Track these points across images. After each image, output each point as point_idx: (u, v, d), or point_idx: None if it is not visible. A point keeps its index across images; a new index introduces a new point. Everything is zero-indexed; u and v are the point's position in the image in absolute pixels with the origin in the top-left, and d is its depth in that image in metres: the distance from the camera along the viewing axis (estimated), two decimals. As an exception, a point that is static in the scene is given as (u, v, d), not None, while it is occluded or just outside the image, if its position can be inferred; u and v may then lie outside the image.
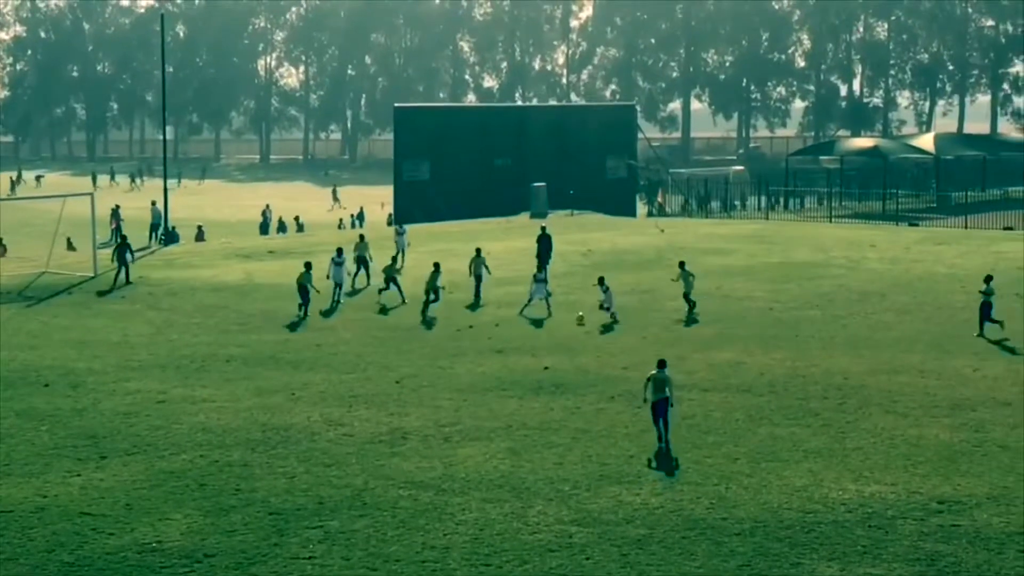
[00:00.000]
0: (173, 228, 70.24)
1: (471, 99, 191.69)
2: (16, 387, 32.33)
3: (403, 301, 43.94)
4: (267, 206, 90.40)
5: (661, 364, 27.31)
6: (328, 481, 24.40)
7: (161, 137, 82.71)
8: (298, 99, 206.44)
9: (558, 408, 29.79)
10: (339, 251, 46.66)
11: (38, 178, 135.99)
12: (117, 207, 77.68)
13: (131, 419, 29.12)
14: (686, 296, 42.28)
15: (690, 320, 41.04)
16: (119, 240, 50.73)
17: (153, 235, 70.59)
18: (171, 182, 68.97)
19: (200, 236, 73.90)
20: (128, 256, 49.52)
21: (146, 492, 23.76)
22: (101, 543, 21.13)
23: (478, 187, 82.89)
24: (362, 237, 50.96)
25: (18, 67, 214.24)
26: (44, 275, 51.66)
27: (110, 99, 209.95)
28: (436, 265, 43.72)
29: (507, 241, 59.09)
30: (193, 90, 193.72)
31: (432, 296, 43.00)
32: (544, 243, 49.80)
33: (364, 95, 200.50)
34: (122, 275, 48.85)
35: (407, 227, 57.33)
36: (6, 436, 27.65)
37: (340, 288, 45.03)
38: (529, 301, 42.61)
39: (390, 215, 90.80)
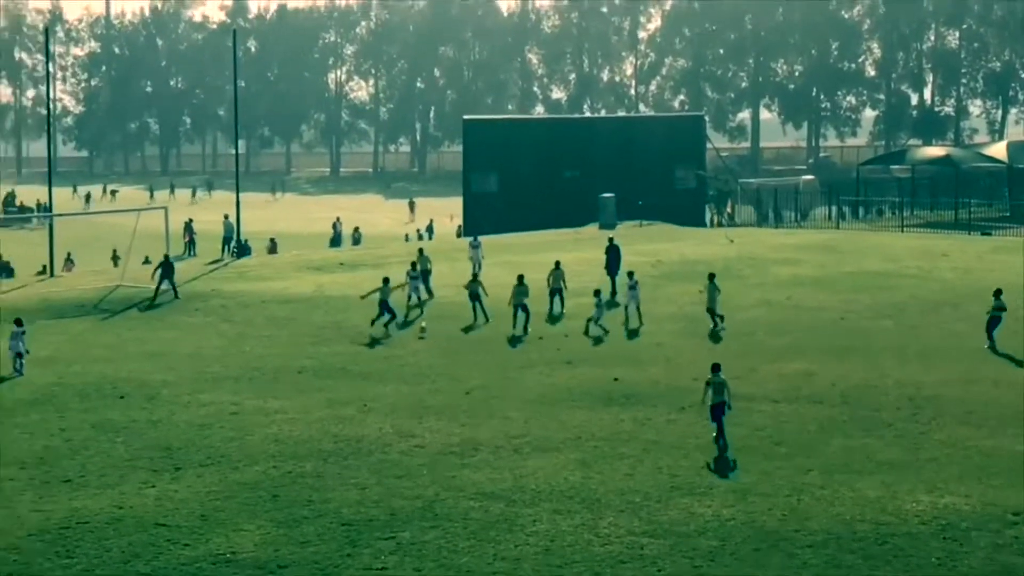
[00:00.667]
0: (245, 241, 70.76)
1: (539, 111, 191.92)
2: (92, 399, 32.70)
3: (486, 320, 43.40)
4: (337, 219, 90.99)
5: (716, 368, 27.75)
6: (399, 492, 24.50)
7: (233, 151, 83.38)
8: (368, 112, 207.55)
9: (628, 419, 29.76)
10: (413, 265, 47.07)
11: (112, 192, 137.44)
12: (190, 221, 78.41)
13: (205, 431, 29.38)
14: (709, 311, 41.69)
15: (715, 336, 40.42)
16: (164, 258, 50.57)
17: (226, 248, 71.15)
18: (235, 195, 69.51)
19: (272, 249, 74.40)
20: (171, 273, 49.42)
21: (220, 503, 23.96)
22: (176, 554, 21.34)
23: (546, 198, 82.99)
24: (421, 251, 51.06)
25: (93, 83, 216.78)
26: (119, 288, 52.19)
27: (183, 114, 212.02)
28: (520, 278, 43.19)
29: (575, 252, 59.03)
30: (265, 104, 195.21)
31: (521, 311, 42.12)
32: (612, 254, 49.74)
33: (433, 108, 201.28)
34: (166, 287, 48.97)
35: (482, 240, 56.88)
36: (82, 448, 27.97)
37: (417, 298, 45.53)
38: (625, 308, 42.59)
39: (459, 227, 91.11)
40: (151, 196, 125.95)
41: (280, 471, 26.03)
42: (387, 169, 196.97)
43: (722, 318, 41.55)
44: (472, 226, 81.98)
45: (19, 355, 36.29)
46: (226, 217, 72.47)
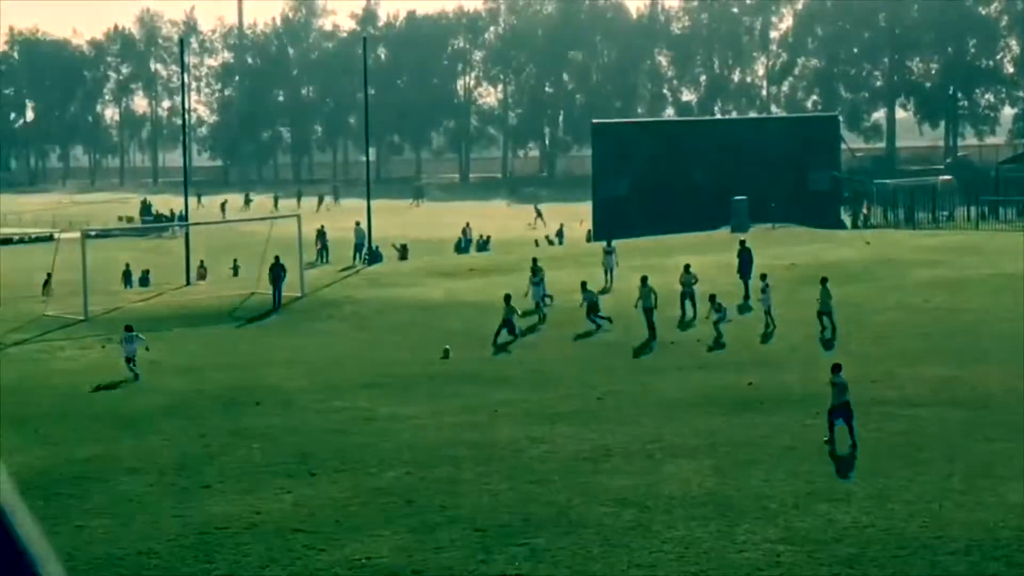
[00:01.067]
0: (377, 248, 71.32)
1: (669, 113, 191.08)
2: (229, 406, 33.10)
3: (600, 325, 43.16)
4: (467, 224, 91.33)
5: (836, 368, 27.90)
6: (533, 498, 24.43)
7: (364, 158, 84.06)
8: (497, 118, 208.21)
9: (763, 424, 29.41)
10: (534, 270, 47.06)
11: (247, 200, 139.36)
12: (323, 228, 79.20)
13: (340, 436, 29.58)
14: (819, 314, 40.95)
15: (829, 342, 39.67)
16: (274, 262, 50.91)
17: (357, 255, 71.78)
18: (357, 201, 70.03)
19: (403, 255, 74.89)
20: (282, 279, 49.76)
21: (355, 509, 24.08)
22: (313, 559, 21.47)
23: (677, 202, 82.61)
24: (535, 260, 50.97)
25: (226, 93, 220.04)
26: (253, 295, 52.88)
27: (314, 122, 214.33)
28: (643, 279, 43.02)
29: (707, 256, 58.67)
30: (394, 111, 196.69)
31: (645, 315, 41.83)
32: (744, 257, 49.31)
33: (562, 112, 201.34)
34: (277, 298, 49.27)
35: (616, 245, 56.19)
36: (220, 454, 28.31)
37: (542, 306, 45.29)
38: (767, 312, 42.13)
39: (588, 232, 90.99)
40: (275, 205, 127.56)
41: (414, 477, 26.11)
42: (516, 174, 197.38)
43: (832, 323, 40.76)
44: (602, 230, 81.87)
45: (130, 359, 37.08)
46: (357, 224, 73.11)
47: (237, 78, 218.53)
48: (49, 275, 57.12)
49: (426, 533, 22.59)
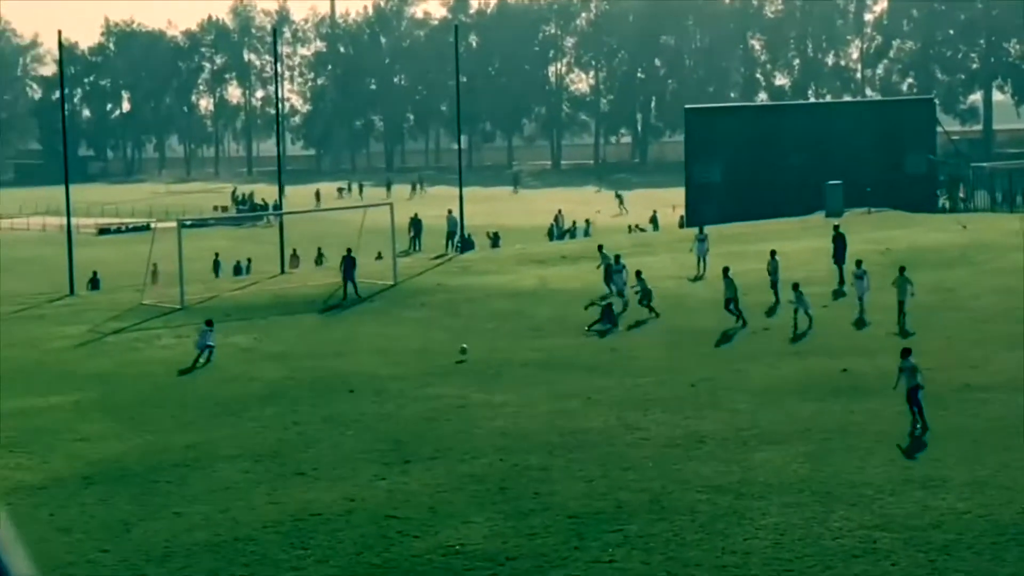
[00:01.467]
0: (469, 235, 71.51)
1: (762, 98, 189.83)
2: (323, 393, 33.36)
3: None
4: (559, 212, 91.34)
5: (905, 353, 28.28)
6: (626, 485, 24.42)
7: (456, 146, 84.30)
8: (588, 104, 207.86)
9: (858, 411, 29.17)
10: (617, 258, 46.87)
11: (340, 190, 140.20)
12: (416, 216, 79.50)
13: (433, 424, 29.72)
14: (902, 304, 40.20)
15: (904, 330, 39.00)
16: (346, 253, 51.05)
17: (449, 243, 72.01)
18: (449, 189, 70.24)
19: (495, 243, 75.02)
20: (353, 271, 49.90)
21: (449, 495, 24.19)
22: (407, 545, 21.60)
23: (771, 187, 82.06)
24: (601, 248, 50.73)
25: (319, 82, 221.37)
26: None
27: (406, 110, 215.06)
28: (724, 270, 42.71)
29: (801, 241, 58.23)
30: (486, 99, 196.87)
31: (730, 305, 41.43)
32: (839, 242, 48.85)
33: (654, 98, 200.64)
34: (350, 289, 49.38)
35: (708, 231, 55.61)
36: (314, 441, 28.55)
37: (623, 296, 44.98)
38: (860, 299, 41.56)
39: (681, 218, 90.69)
40: (360, 193, 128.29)
41: (507, 464, 26.18)
42: (608, 160, 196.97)
43: (903, 312, 40.05)
44: (695, 216, 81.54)
45: (207, 347, 38.02)
46: (449, 212, 73.33)
47: (329, 67, 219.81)
48: (155, 265, 57.97)
49: (519, 519, 22.65)
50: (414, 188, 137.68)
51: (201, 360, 37.71)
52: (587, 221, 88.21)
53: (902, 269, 41.47)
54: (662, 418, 29.26)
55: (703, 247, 52.56)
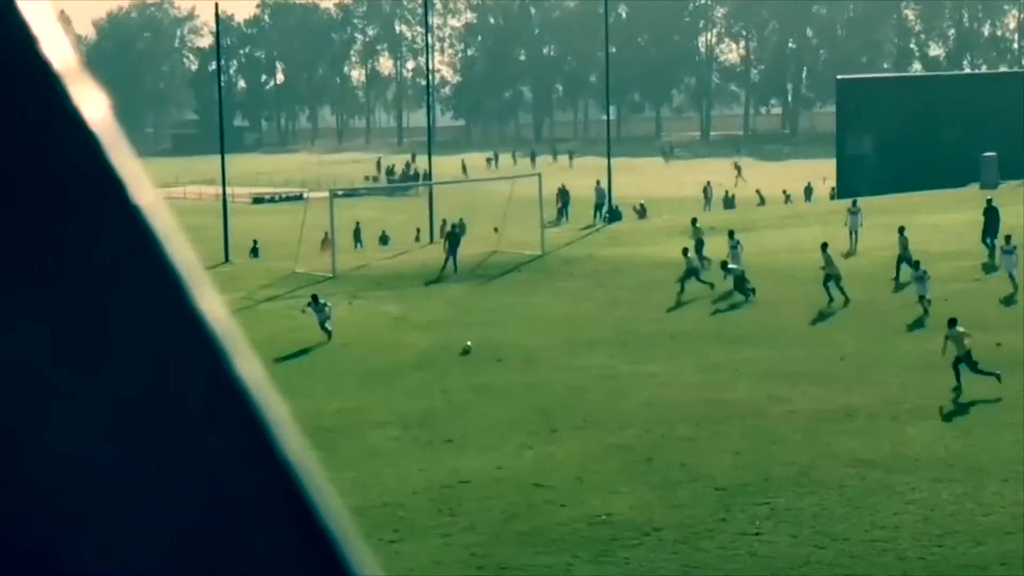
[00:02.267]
0: (616, 207, 71.41)
1: (916, 68, 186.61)
2: (472, 363, 33.65)
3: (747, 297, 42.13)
4: (708, 183, 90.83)
5: (952, 322, 29.34)
6: (773, 458, 24.34)
7: (604, 117, 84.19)
8: (738, 74, 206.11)
9: (1012, 386, 28.64)
10: (731, 233, 46.26)
11: (488, 160, 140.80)
12: (564, 187, 79.60)
13: (580, 394, 29.84)
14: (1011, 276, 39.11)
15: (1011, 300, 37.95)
16: (451, 228, 51.23)
17: (597, 213, 71.98)
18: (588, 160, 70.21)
19: (642, 214, 74.86)
20: (456, 246, 50.03)
21: (595, 465, 24.31)
22: (554, 514, 21.76)
23: (924, 159, 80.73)
24: (694, 221, 50.11)
25: (469, 53, 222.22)
26: (495, 254, 53.53)
27: (555, 81, 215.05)
28: (823, 247, 41.61)
29: (953, 214, 57.18)
30: (635, 69, 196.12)
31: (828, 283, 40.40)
32: (991, 216, 47.81)
33: (805, 68, 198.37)
34: (450, 264, 49.55)
35: (861, 204, 54.48)
36: (463, 410, 28.84)
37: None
38: (1009, 274, 40.68)
39: (832, 190, 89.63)
40: (495, 164, 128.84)
41: (654, 435, 26.22)
42: (758, 131, 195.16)
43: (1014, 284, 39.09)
44: (846, 188, 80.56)
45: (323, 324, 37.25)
46: (598, 183, 73.29)
47: (479, 38, 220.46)
48: (327, 233, 58.26)
49: (666, 490, 22.70)
50: (570, 156, 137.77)
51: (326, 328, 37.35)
52: (731, 193, 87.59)
53: (1008, 237, 40.58)
54: (811, 391, 29.06)
55: (856, 220, 51.70)
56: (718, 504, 21.93)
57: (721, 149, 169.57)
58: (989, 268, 44.11)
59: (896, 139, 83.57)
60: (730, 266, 43.05)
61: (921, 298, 37.88)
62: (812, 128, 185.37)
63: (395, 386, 31.32)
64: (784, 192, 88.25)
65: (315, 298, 38.31)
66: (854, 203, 54.04)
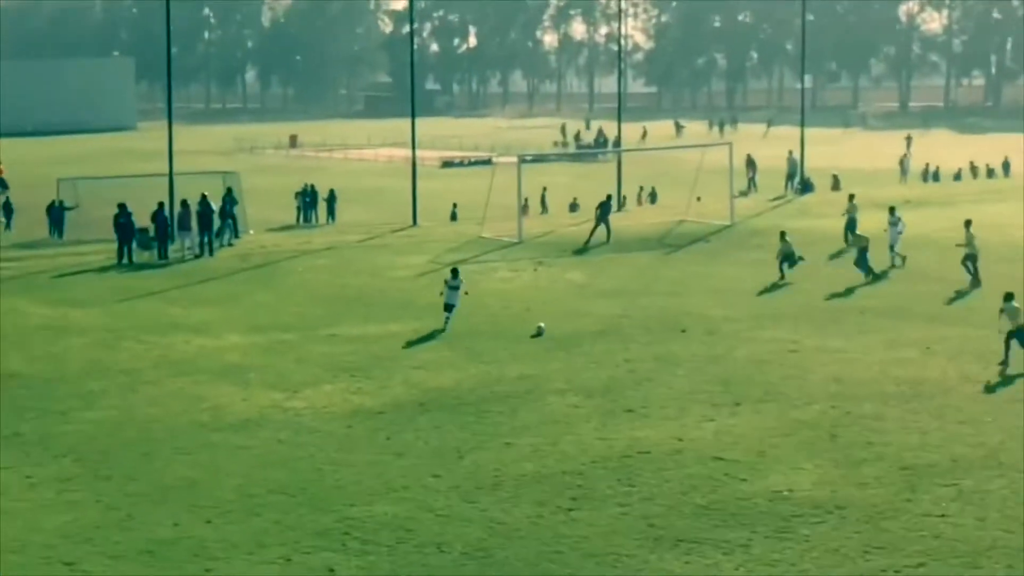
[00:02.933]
0: (808, 178, 70.29)
1: None
2: (655, 332, 33.43)
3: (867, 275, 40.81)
4: (905, 154, 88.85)
5: (1008, 296, 29.80)
6: (962, 438, 23.75)
7: (799, 86, 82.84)
8: (940, 44, 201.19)
9: None
10: (892, 210, 44.89)
11: (679, 127, 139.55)
12: (751, 157, 78.50)
13: (764, 367, 29.45)
14: None
15: None
16: (606, 198, 50.86)
17: (789, 184, 70.93)
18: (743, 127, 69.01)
19: (835, 185, 73.53)
20: (608, 215, 49.51)
21: (778, 440, 23.96)
22: (733, 488, 21.49)
23: None
24: (851, 197, 48.82)
25: (662, 19, 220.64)
26: (683, 223, 53.10)
27: (750, 48, 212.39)
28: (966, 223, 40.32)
29: None
30: (832, 38, 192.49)
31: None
32: None
33: (1010, 39, 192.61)
34: (601, 231, 49.04)
35: None
36: (645, 380, 28.66)
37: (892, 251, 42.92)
38: None
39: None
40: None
41: (839, 411, 25.76)
42: (959, 103, 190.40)
43: None
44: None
45: (451, 306, 34.18)
46: (790, 153, 72.23)
47: (674, 4, 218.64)
48: (526, 199, 58.35)
49: (850, 468, 22.28)
50: (713, 126, 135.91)
51: (448, 318, 34.17)
52: (934, 167, 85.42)
53: None
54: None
55: None
56: (903, 484, 21.45)
57: (921, 120, 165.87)
58: None
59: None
60: (858, 233, 42.11)
61: None
62: (1015, 101, 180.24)
63: (577, 353, 31.25)
64: (971, 165, 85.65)
65: (455, 273, 34.92)
66: None
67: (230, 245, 50.24)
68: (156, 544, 19.47)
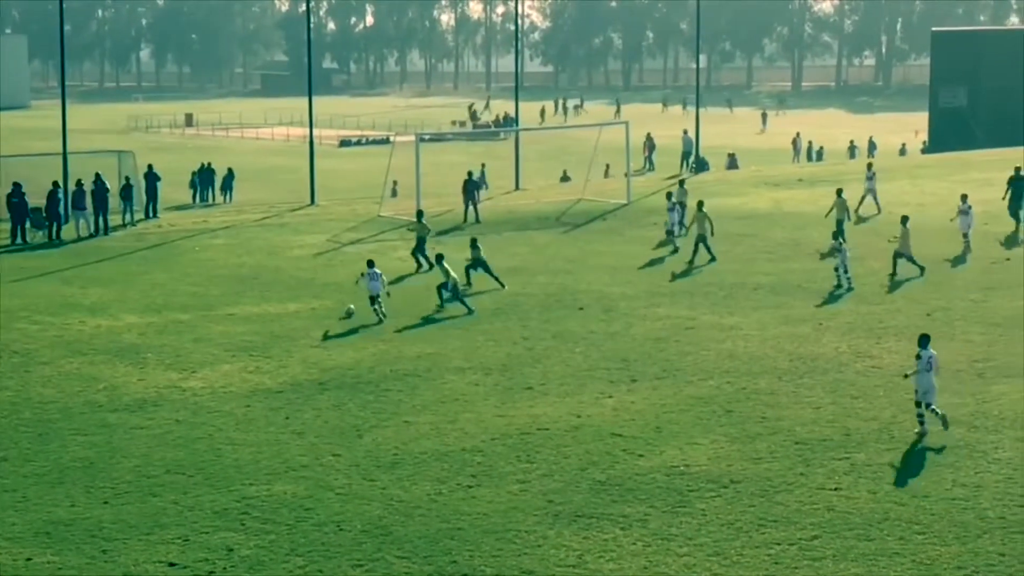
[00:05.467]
0: (703, 157, 70.85)
1: (1013, 22, 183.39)
2: (553, 310, 33.61)
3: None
4: (797, 134, 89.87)
5: None
6: (855, 413, 24.15)
7: (694, 66, 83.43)
8: (832, 24, 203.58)
9: (1102, 347, 28.19)
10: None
11: (576, 107, 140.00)
12: (650, 136, 79.00)
13: (661, 344, 29.73)
14: None
15: None
16: (467, 176, 50.81)
17: (684, 163, 71.45)
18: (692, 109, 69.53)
19: (731, 164, 74.20)
20: (476, 194, 49.50)
21: (674, 416, 24.23)
22: (631, 464, 21.72)
23: (1020, 113, 79.27)
24: (682, 183, 49.26)
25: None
26: (580, 202, 53.34)
27: (646, 28, 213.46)
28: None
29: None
30: (727, 17, 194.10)
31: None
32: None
33: (900, 20, 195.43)
34: (471, 212, 49.24)
35: (948, 156, 52.44)
36: (543, 357, 28.82)
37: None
38: None
39: (924, 143, 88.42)
40: (562, 112, 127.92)
41: (734, 387, 26.09)
42: (850, 83, 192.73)
43: None
44: (937, 142, 79.52)
45: (374, 298, 32.80)
46: (685, 132, 72.73)
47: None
48: (395, 182, 57.49)
49: (745, 443, 22.59)
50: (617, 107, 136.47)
51: (378, 311, 32.75)
52: (819, 146, 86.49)
53: None
54: (895, 347, 28.78)
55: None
56: (797, 458, 21.79)
57: (813, 100, 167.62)
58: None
59: (991, 93, 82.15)
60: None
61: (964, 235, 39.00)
62: (906, 80, 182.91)
63: (475, 331, 31.34)
64: (870, 142, 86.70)
65: (371, 264, 33.49)
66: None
67: (156, 217, 52.08)
68: (53, 525, 19.34)
